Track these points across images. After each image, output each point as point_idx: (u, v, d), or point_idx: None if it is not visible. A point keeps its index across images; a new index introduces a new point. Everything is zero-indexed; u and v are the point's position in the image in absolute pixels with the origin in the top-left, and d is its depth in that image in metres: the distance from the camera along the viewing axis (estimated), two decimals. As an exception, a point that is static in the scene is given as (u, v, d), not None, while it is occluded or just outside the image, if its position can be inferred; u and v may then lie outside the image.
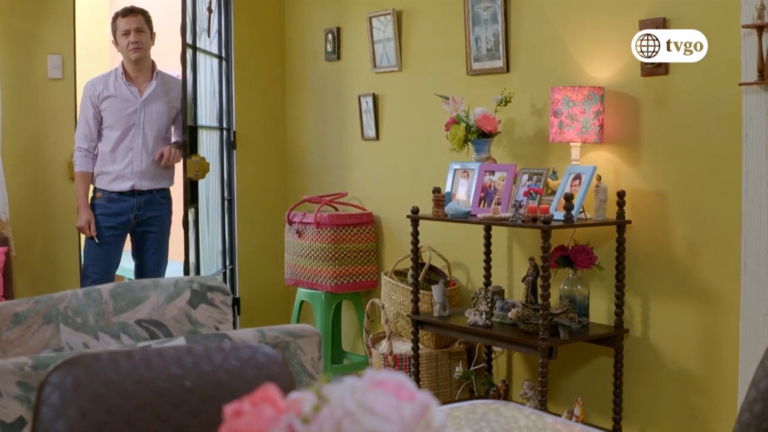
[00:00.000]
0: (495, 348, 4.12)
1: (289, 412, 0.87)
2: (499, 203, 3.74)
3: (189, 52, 4.50)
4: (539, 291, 3.48)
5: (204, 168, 4.54)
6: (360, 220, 4.85)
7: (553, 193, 3.62)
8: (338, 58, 5.12)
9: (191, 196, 4.54)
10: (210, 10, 5.03)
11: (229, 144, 5.35)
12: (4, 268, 4.40)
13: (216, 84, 5.19)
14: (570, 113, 3.51)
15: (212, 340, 2.36)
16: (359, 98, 4.95)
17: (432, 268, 4.38)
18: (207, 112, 4.98)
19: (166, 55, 5.73)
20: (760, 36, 3.01)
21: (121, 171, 4.29)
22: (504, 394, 4.08)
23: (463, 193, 3.91)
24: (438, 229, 4.33)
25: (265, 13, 5.49)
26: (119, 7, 4.47)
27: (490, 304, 3.74)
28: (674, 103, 3.43)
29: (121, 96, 4.30)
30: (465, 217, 3.77)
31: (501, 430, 1.55)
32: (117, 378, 1.35)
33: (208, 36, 5.01)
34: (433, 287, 4.01)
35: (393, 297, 4.35)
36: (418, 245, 4.03)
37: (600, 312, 3.71)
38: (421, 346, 4.13)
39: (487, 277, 4.09)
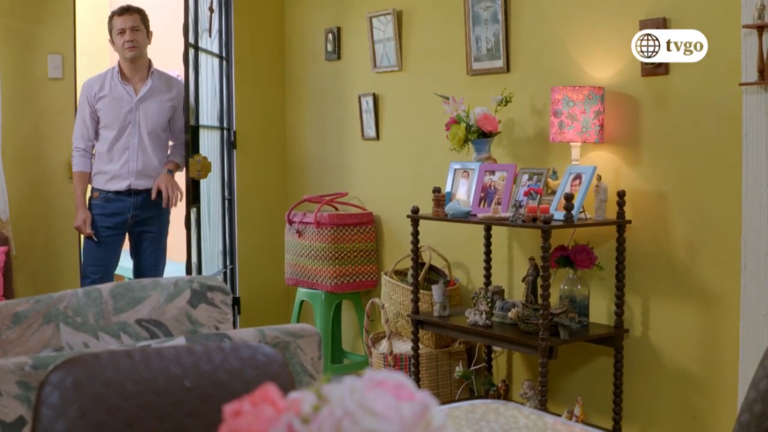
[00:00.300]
0: (495, 348, 4.12)
1: (288, 412, 0.87)
2: (499, 203, 3.74)
3: (191, 51, 4.50)
4: (539, 291, 3.48)
5: (206, 168, 4.54)
6: (360, 220, 4.85)
7: (554, 193, 3.62)
8: (338, 57, 5.12)
9: (193, 196, 4.54)
10: (212, 10, 5.03)
11: (230, 144, 5.35)
12: (4, 268, 4.40)
13: (217, 84, 5.19)
14: (570, 113, 3.51)
15: (212, 340, 2.36)
16: (359, 98, 4.95)
17: (432, 267, 4.38)
18: (208, 112, 4.98)
19: (165, 55, 5.74)
20: (760, 36, 3.01)
21: (117, 171, 4.28)
22: (504, 394, 4.08)
23: (464, 193, 3.91)
24: (438, 229, 4.33)
25: (265, 12, 5.49)
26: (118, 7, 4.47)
27: (490, 304, 3.74)
28: (674, 103, 3.43)
29: (117, 95, 4.29)
30: (465, 217, 3.77)
31: (501, 430, 1.55)
32: (117, 378, 1.35)
33: (210, 36, 5.01)
34: (433, 287, 4.01)
35: (393, 297, 4.35)
36: (419, 245, 4.03)
37: (600, 312, 3.71)
38: (421, 346, 4.13)
39: (487, 276, 4.09)
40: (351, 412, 0.84)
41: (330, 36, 5.15)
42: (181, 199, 4.40)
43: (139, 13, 4.34)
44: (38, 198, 4.89)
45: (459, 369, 4.17)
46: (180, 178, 4.54)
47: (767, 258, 3.10)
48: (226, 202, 5.31)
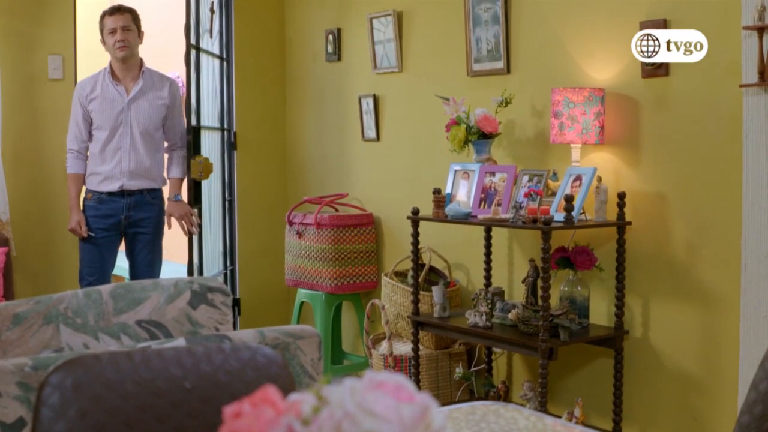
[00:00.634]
0: (495, 349, 4.12)
1: (288, 413, 0.87)
2: (499, 204, 3.74)
3: (193, 52, 4.49)
4: (539, 292, 3.48)
5: (208, 168, 4.53)
6: (360, 221, 4.85)
7: (554, 194, 3.62)
8: (339, 58, 5.12)
9: (195, 197, 4.54)
10: (212, 11, 5.03)
11: (230, 145, 5.35)
12: (4, 268, 4.40)
13: (217, 85, 5.19)
14: (570, 114, 3.52)
15: (212, 341, 2.36)
16: (360, 99, 4.95)
17: (432, 269, 4.38)
18: (208, 113, 4.97)
19: (165, 56, 5.74)
20: (760, 37, 3.01)
21: (110, 171, 4.24)
22: (504, 396, 4.08)
23: (464, 194, 3.92)
24: (438, 230, 4.33)
25: (265, 13, 5.49)
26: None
27: (490, 305, 3.74)
28: (674, 104, 3.43)
29: (108, 96, 4.25)
30: (465, 218, 3.77)
31: (501, 432, 1.55)
32: (117, 379, 1.35)
33: (210, 37, 5.01)
34: (434, 288, 4.01)
35: (393, 298, 4.35)
36: (419, 246, 4.03)
37: (600, 313, 3.71)
38: (421, 347, 4.13)
39: (488, 278, 4.09)
40: (351, 413, 0.84)
41: (330, 37, 5.15)
42: (197, 223, 4.43)
43: (131, 13, 4.30)
44: (38, 198, 4.89)
45: (459, 370, 4.17)
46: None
47: (767, 259, 3.10)
48: (227, 203, 5.31)
